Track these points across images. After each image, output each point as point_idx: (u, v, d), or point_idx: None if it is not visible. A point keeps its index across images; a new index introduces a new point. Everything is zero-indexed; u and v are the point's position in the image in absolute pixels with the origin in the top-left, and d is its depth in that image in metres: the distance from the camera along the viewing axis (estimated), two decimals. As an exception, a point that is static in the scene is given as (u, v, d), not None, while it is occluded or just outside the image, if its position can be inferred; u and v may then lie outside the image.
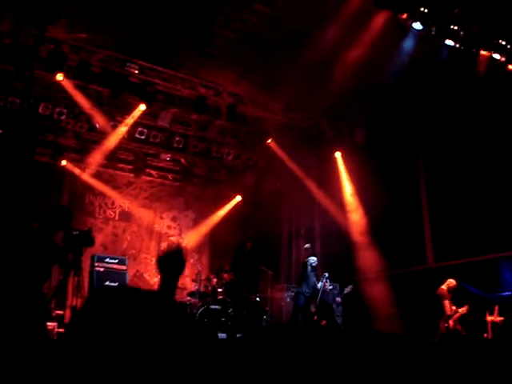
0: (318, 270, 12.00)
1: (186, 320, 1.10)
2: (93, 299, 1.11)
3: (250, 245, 12.47)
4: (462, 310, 10.20)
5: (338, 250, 14.07)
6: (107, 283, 11.79)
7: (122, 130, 13.28)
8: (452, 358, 1.40)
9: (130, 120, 13.08)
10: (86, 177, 13.68)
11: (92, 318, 1.04)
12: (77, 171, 13.54)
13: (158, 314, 1.06)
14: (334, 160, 15.09)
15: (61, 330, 10.22)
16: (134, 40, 11.54)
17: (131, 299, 1.07)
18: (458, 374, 1.36)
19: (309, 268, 11.86)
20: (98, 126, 13.09)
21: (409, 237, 13.51)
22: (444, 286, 10.64)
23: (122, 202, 14.41)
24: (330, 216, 14.64)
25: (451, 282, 10.67)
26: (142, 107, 12.88)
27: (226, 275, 12.12)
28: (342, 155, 15.01)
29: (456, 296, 10.59)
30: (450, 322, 10.34)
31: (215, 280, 12.51)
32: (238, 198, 15.65)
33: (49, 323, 9.04)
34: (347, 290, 12.18)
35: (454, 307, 10.48)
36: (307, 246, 12.56)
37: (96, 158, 13.51)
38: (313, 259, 11.96)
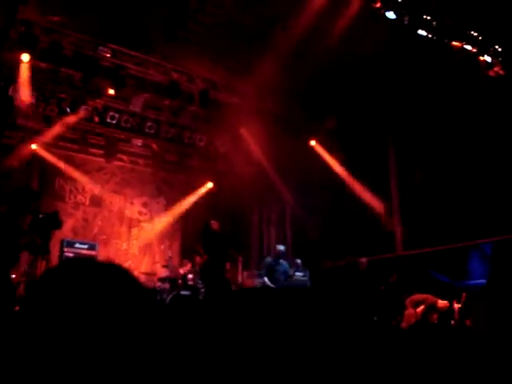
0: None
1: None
2: (53, 270, 1.09)
3: (217, 225, 12.34)
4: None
5: (309, 236, 14.18)
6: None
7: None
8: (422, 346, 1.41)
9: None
10: (57, 161, 13.48)
11: (48, 291, 1.02)
12: (47, 155, 13.33)
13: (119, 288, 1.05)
14: (308, 147, 15.17)
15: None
16: (107, 23, 11.40)
17: (95, 272, 1.06)
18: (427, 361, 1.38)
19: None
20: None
21: (378, 224, 13.63)
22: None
23: (92, 186, 14.23)
24: (300, 203, 14.70)
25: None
26: (111, 91, 12.81)
27: (197, 258, 12.07)
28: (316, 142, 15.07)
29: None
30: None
31: (187, 267, 12.49)
32: (210, 185, 15.55)
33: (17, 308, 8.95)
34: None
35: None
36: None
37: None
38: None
